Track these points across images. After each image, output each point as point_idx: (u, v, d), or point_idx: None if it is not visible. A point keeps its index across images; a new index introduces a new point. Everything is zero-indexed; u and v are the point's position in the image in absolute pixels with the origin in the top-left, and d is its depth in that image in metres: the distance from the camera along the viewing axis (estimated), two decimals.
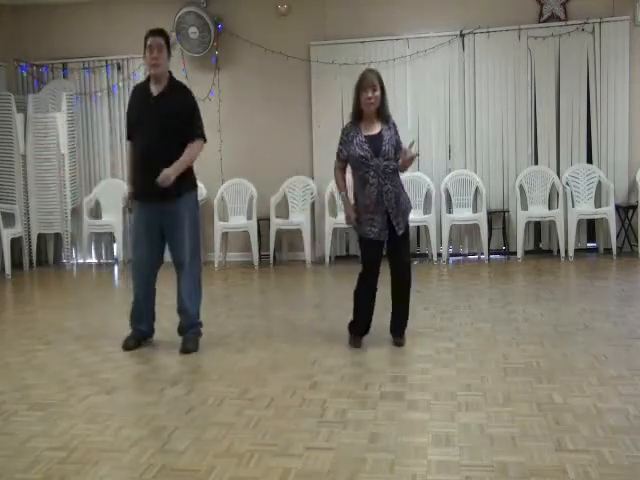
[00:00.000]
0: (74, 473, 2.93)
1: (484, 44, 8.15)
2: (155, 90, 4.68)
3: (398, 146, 4.57)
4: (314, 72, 8.44)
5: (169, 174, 4.52)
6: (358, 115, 4.56)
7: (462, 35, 8.18)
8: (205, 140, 4.78)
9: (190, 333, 4.80)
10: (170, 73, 4.75)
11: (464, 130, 8.29)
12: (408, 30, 8.29)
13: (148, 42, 4.61)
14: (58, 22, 8.95)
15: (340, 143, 4.61)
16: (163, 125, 4.58)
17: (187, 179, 4.71)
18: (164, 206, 4.63)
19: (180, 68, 8.48)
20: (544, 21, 8.06)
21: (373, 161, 4.46)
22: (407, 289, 4.67)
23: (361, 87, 4.48)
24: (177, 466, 2.96)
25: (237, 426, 3.37)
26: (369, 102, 4.46)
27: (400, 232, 4.53)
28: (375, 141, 4.48)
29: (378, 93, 4.47)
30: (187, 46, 8.53)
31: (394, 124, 4.62)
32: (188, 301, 4.78)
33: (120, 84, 8.87)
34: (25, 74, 9.11)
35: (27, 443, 3.25)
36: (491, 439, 3.10)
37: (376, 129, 4.53)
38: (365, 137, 4.50)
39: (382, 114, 4.55)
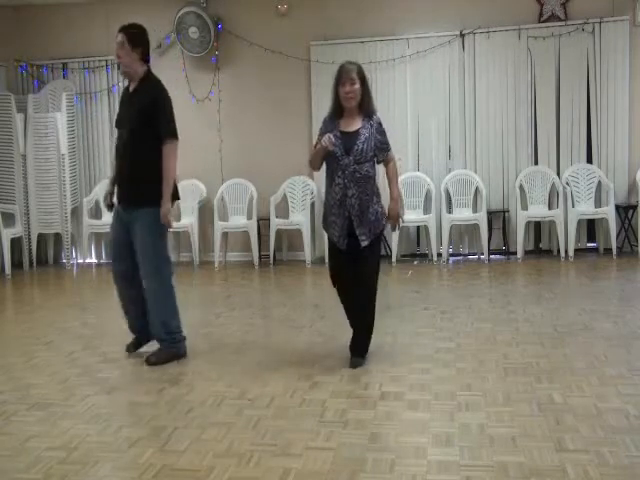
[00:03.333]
0: (74, 473, 2.93)
1: (484, 44, 8.14)
2: (132, 89, 4.47)
3: (380, 146, 4.24)
4: (314, 72, 8.44)
5: (168, 206, 4.29)
6: (338, 111, 4.22)
7: (462, 35, 8.17)
8: (176, 138, 4.34)
9: (162, 344, 4.51)
10: (148, 68, 4.44)
11: (464, 130, 8.28)
12: (408, 30, 8.29)
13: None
14: (58, 22, 8.94)
15: (319, 133, 4.32)
16: (132, 125, 4.31)
17: (150, 190, 4.29)
18: (129, 212, 4.37)
19: (180, 68, 8.51)
20: (544, 21, 8.05)
21: (343, 160, 4.14)
22: (364, 309, 4.27)
23: (339, 81, 4.14)
24: (177, 466, 2.96)
25: (237, 426, 3.37)
26: (347, 97, 4.12)
27: (363, 244, 4.17)
28: (349, 139, 4.16)
29: (357, 86, 4.12)
30: (187, 46, 8.53)
31: (379, 122, 4.25)
32: (151, 314, 4.48)
33: (120, 84, 8.85)
34: (25, 74, 9.11)
35: (27, 443, 3.26)
36: (491, 439, 3.10)
37: (355, 126, 4.20)
38: (340, 133, 4.17)
39: (364, 109, 4.21)
